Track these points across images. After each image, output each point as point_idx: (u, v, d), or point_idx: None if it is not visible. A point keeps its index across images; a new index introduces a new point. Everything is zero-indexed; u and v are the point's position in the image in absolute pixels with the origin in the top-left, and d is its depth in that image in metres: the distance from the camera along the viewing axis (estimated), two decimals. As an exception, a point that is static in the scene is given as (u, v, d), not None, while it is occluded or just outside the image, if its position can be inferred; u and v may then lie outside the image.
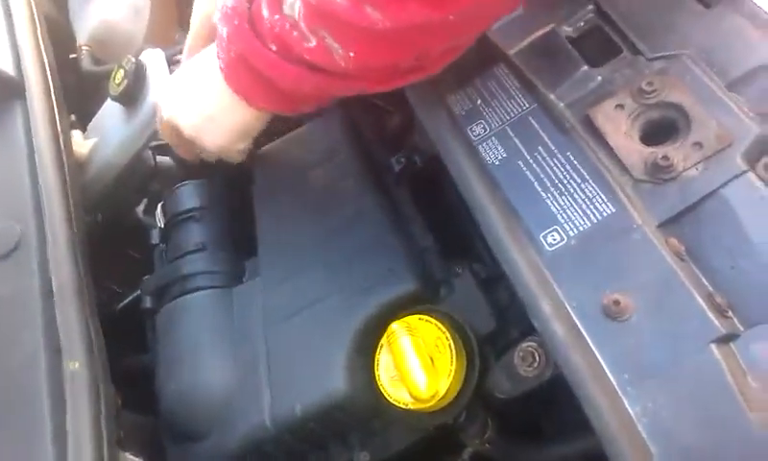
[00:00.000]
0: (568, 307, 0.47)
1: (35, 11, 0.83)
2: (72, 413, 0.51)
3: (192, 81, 0.65)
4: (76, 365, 0.52)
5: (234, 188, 0.77)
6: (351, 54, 0.50)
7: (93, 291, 0.59)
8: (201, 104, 0.63)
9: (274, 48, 0.54)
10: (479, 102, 0.59)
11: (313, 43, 0.51)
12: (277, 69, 0.54)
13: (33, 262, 0.63)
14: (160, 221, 0.78)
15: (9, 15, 0.82)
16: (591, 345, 0.45)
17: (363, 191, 0.67)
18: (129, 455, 0.54)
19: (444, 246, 0.66)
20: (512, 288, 0.61)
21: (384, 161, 0.73)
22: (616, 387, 0.44)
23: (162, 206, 0.78)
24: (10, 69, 0.78)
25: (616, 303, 0.46)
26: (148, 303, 0.69)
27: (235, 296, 0.66)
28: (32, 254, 0.63)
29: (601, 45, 0.59)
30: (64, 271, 0.57)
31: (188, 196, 0.74)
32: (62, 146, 0.67)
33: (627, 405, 0.43)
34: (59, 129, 0.68)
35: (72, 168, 0.68)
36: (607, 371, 0.44)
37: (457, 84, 0.61)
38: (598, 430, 0.42)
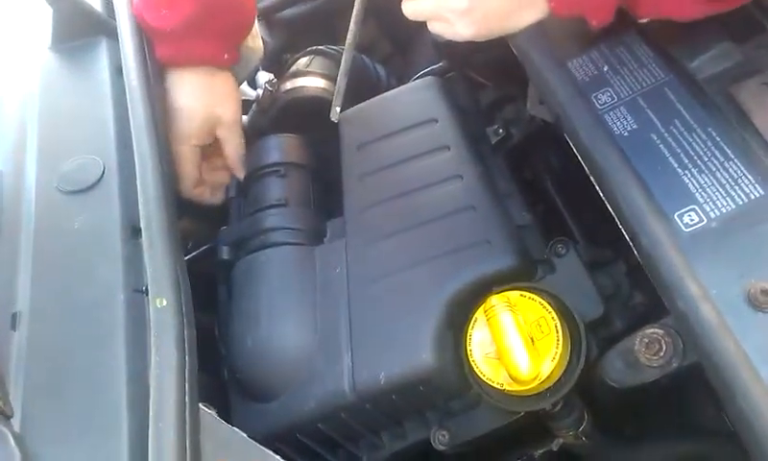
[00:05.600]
0: (709, 292, 0.42)
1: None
2: (156, 353, 0.48)
3: None
4: (164, 302, 0.49)
5: (317, 147, 0.74)
6: None
7: (179, 231, 0.56)
8: None
9: None
10: (606, 69, 0.54)
11: None
12: None
13: (114, 197, 0.61)
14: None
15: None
16: (735, 333, 0.41)
17: (460, 158, 0.64)
18: (204, 407, 0.51)
19: (541, 225, 0.62)
20: (618, 275, 0.58)
21: (480, 132, 0.69)
22: (763, 379, 0.40)
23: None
24: (99, 6, 0.77)
25: (765, 292, 0.42)
26: (225, 253, 0.66)
27: (318, 255, 0.63)
28: (114, 188, 0.61)
29: (742, 21, 0.54)
30: (153, 206, 0.54)
31: (273, 150, 0.72)
32: (151, 86, 0.65)
33: (773, 400, 0.39)
34: (149, 69, 0.66)
35: (158, 110, 0.65)
36: (752, 361, 0.40)
37: (579, 49, 0.57)
38: (751, 420, 0.37)
